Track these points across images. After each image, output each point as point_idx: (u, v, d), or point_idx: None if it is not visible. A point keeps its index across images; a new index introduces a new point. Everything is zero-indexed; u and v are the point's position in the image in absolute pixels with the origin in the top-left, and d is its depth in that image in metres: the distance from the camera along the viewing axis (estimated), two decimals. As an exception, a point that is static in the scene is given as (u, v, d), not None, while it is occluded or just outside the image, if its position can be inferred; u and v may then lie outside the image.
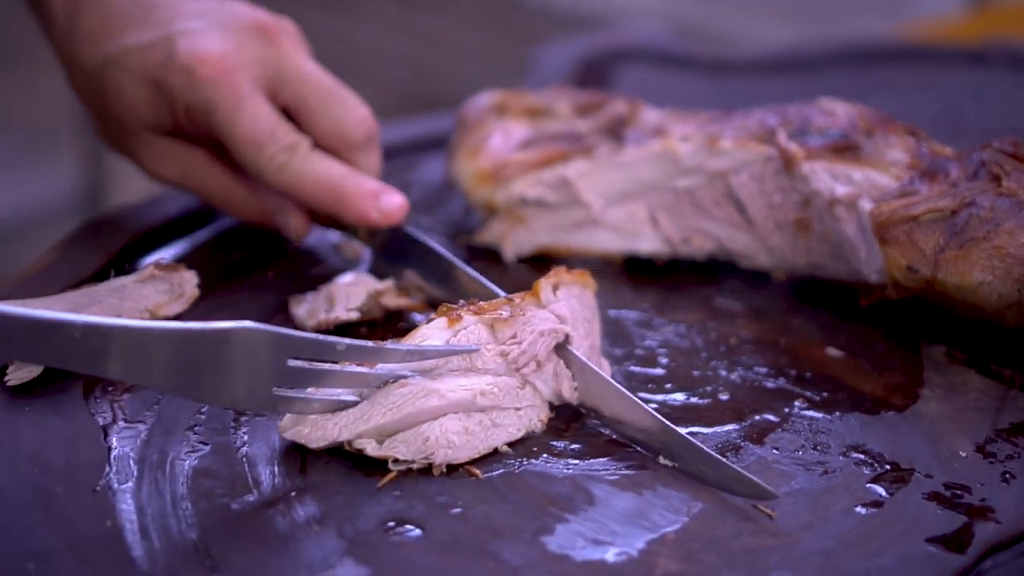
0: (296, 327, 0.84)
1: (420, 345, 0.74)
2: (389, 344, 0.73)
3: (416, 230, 0.90)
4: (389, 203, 0.87)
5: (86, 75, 0.89)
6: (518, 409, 0.76)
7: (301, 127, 0.89)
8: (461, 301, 0.78)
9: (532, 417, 0.76)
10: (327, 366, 0.71)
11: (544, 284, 0.80)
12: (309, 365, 0.71)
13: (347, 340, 0.72)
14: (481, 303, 0.77)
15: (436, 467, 0.72)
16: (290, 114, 0.89)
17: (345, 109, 0.89)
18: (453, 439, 0.73)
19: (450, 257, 0.87)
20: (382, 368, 0.73)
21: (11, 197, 2.66)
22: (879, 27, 2.62)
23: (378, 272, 0.91)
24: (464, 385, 0.74)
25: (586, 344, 0.80)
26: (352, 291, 0.87)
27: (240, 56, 0.86)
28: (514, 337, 0.76)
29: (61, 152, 3.02)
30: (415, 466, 0.72)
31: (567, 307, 0.79)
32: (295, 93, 0.89)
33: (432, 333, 0.75)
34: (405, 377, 0.73)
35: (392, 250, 0.90)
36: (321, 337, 0.71)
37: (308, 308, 0.85)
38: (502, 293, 0.83)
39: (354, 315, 0.85)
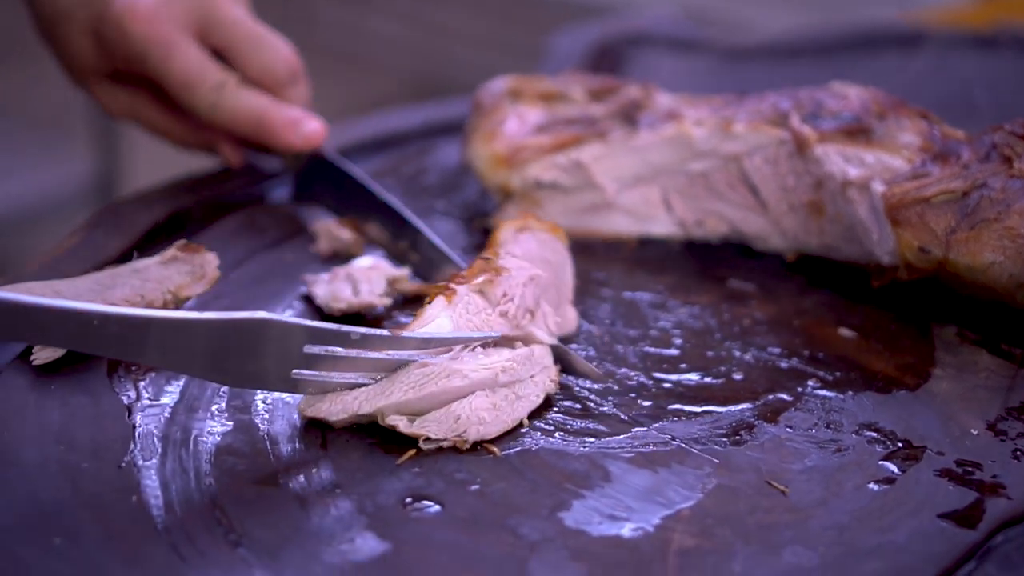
0: (317, 308, 0.86)
1: (436, 334, 0.75)
2: (405, 333, 0.74)
3: (334, 154, 0.99)
4: (309, 128, 0.96)
5: (44, 23, 0.99)
6: (533, 376, 0.78)
7: (231, 67, 0.97)
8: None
9: (544, 379, 0.78)
10: (342, 351, 0.73)
11: (507, 227, 0.85)
12: (325, 351, 0.72)
13: (362, 329, 0.73)
14: (463, 272, 0.80)
15: (462, 443, 0.74)
16: (221, 56, 0.98)
17: (271, 51, 0.97)
18: (484, 415, 0.74)
19: (364, 179, 0.96)
20: (397, 354, 0.74)
21: (24, 186, 2.68)
22: (887, 14, 2.62)
23: (300, 196, 1.00)
24: (485, 364, 0.75)
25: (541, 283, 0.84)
26: (372, 275, 0.88)
27: (168, 7, 0.95)
28: (505, 295, 0.79)
29: (74, 142, 3.03)
30: (446, 444, 0.73)
31: (523, 249, 0.84)
32: (223, 38, 0.97)
33: (437, 313, 0.77)
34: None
35: (314, 175, 0.99)
36: (336, 327, 0.73)
37: (330, 290, 0.86)
38: (407, 212, 0.91)
39: (387, 300, 0.87)
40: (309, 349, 0.72)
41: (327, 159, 0.98)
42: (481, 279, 0.79)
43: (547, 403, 0.78)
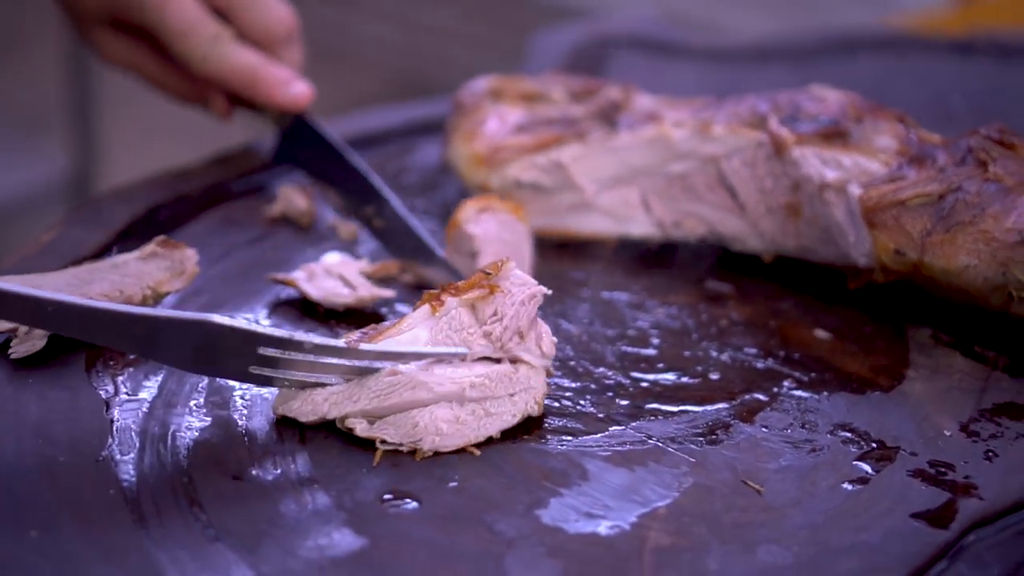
0: (304, 302, 0.87)
1: (389, 347, 0.75)
2: (364, 345, 0.74)
3: (315, 118, 1.01)
4: (296, 89, 0.98)
5: None
6: (512, 395, 0.76)
7: (226, 20, 0.99)
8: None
9: (527, 400, 0.77)
10: (298, 356, 0.73)
11: (469, 206, 0.87)
12: (281, 353, 0.73)
13: (316, 339, 0.74)
14: (459, 283, 0.78)
15: (421, 453, 0.73)
16: (220, 13, 0.99)
17: (268, 8, 0.99)
18: (442, 427, 0.74)
19: (340, 144, 0.98)
20: (355, 363, 0.74)
21: (1, 182, 2.67)
22: (864, 19, 2.63)
23: (280, 157, 1.02)
24: (452, 378, 0.75)
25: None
26: (348, 270, 0.89)
27: None
28: (495, 314, 0.77)
29: (51, 139, 3.02)
30: (403, 449, 0.73)
31: (482, 228, 0.86)
32: None
33: (417, 322, 0.76)
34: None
35: (295, 138, 1.01)
36: (288, 335, 0.73)
37: (324, 287, 0.87)
38: (376, 179, 0.94)
39: (388, 292, 0.88)
40: (264, 351, 0.72)
41: (308, 123, 1.00)
42: (474, 294, 0.77)
43: (525, 401, 0.78)
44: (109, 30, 1.02)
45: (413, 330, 0.76)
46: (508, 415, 0.76)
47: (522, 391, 0.77)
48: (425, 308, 0.77)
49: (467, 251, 0.88)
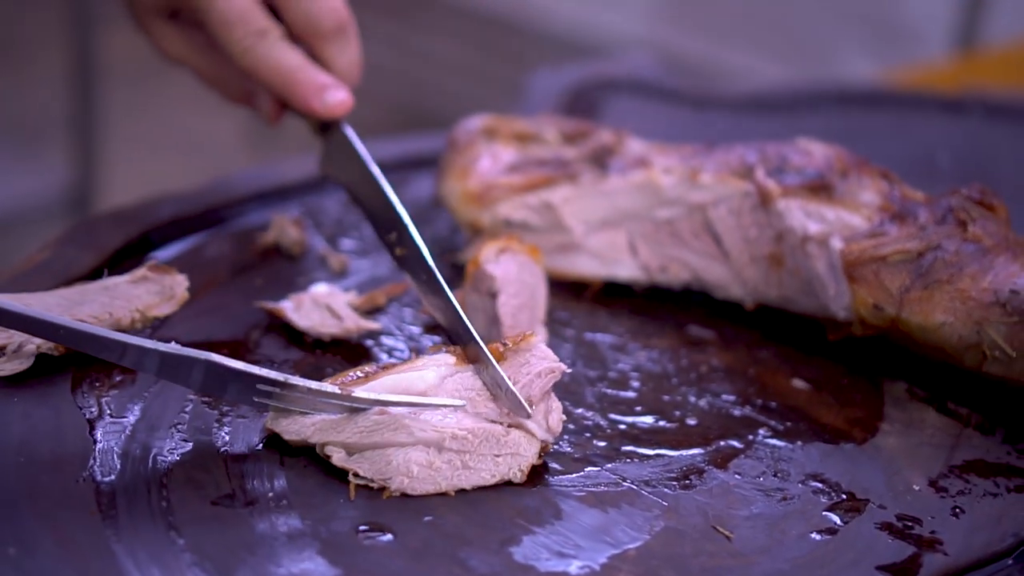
0: (291, 330, 0.88)
1: (393, 397, 0.76)
2: (358, 391, 0.76)
3: (355, 136, 0.97)
4: (333, 98, 0.94)
5: None
6: (497, 456, 0.77)
7: (278, 16, 0.95)
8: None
9: (512, 466, 0.77)
10: (290, 393, 0.75)
11: (490, 247, 0.88)
12: (279, 391, 0.75)
13: (312, 384, 0.75)
14: (490, 345, 0.79)
15: (388, 492, 0.74)
16: (272, 6, 0.95)
17: (317, 0, 0.94)
18: (413, 469, 0.74)
19: (371, 166, 0.94)
20: (346, 402, 0.76)
21: (0, 193, 2.68)
22: (869, 68, 2.66)
23: (324, 169, 0.98)
24: (436, 426, 0.75)
25: (514, 303, 0.88)
26: (335, 301, 0.90)
27: None
28: (511, 380, 0.77)
29: (51, 150, 3.04)
30: (374, 485, 0.74)
31: (502, 269, 0.87)
32: None
33: (428, 366, 0.78)
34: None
35: (335, 148, 0.97)
36: (283, 377, 0.75)
37: (312, 318, 0.88)
38: (401, 209, 0.91)
39: (374, 324, 0.89)
40: (263, 387, 0.74)
41: (345, 135, 0.96)
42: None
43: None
44: (165, 20, 0.99)
45: (423, 371, 0.78)
46: (487, 473, 0.76)
47: (509, 455, 0.77)
48: (447, 356, 0.79)
49: (486, 291, 0.89)
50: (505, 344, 0.79)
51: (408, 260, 0.89)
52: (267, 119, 1.00)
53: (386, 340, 0.90)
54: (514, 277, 0.89)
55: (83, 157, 2.72)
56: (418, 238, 0.89)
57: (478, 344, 0.80)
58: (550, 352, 0.80)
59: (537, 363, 0.79)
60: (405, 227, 0.90)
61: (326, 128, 0.97)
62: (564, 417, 0.80)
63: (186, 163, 3.27)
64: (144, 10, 0.99)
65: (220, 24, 0.93)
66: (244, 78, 0.98)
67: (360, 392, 0.76)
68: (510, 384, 0.77)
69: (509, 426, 0.77)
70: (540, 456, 0.78)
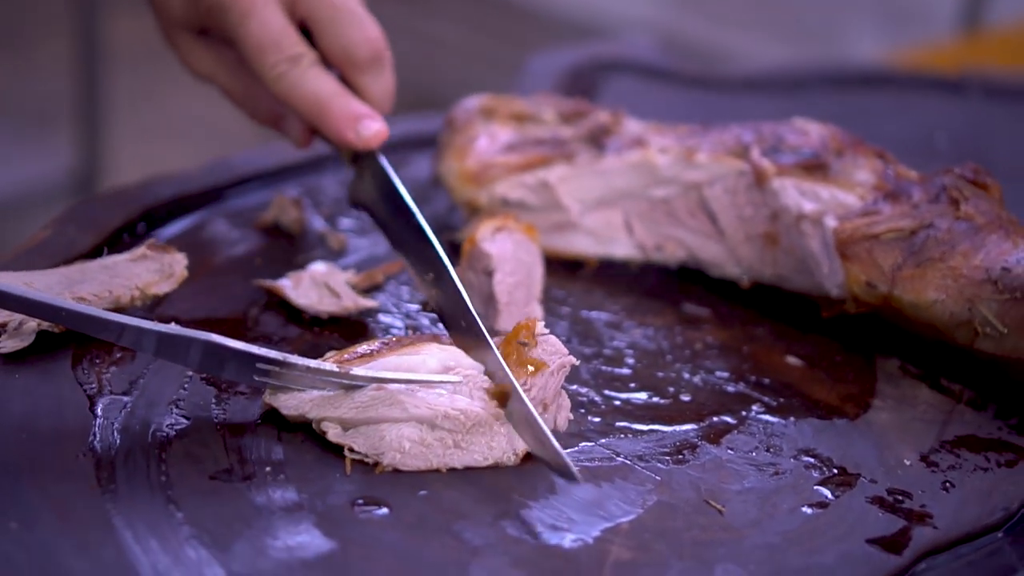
0: (290, 308, 0.89)
1: (389, 374, 0.77)
2: (355, 370, 0.77)
3: (389, 166, 0.93)
4: (368, 128, 0.91)
5: None
6: (491, 441, 0.77)
7: (313, 43, 0.93)
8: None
9: (506, 450, 0.77)
10: (289, 371, 0.76)
11: (487, 225, 0.89)
12: (279, 370, 0.76)
13: (311, 362, 0.77)
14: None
15: (381, 468, 0.75)
16: (306, 30, 0.93)
17: (353, 27, 0.92)
18: (405, 445, 0.75)
19: (408, 200, 0.90)
20: (345, 381, 0.77)
21: (6, 177, 2.69)
22: (874, 49, 2.66)
23: (354, 198, 0.95)
24: (431, 403, 0.76)
25: (510, 280, 0.88)
26: (334, 280, 0.91)
27: None
28: (524, 384, 0.78)
29: (57, 135, 3.05)
30: (368, 460, 0.75)
31: (499, 247, 0.88)
32: (309, 7, 0.92)
33: (432, 352, 0.79)
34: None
35: (367, 177, 0.94)
36: (282, 357, 0.76)
37: (310, 296, 0.89)
38: (440, 251, 0.86)
39: (374, 303, 0.90)
40: (262, 366, 0.76)
41: (380, 165, 0.93)
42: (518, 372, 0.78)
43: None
44: (194, 36, 0.97)
45: (425, 357, 0.78)
46: (479, 455, 0.76)
47: (504, 438, 0.77)
48: (455, 350, 0.80)
49: (482, 269, 0.90)
50: (522, 342, 0.79)
51: (445, 305, 0.84)
52: (296, 143, 0.98)
53: (383, 318, 0.91)
54: (510, 255, 0.90)
55: (88, 141, 2.73)
56: (458, 282, 0.84)
57: (513, 386, 0.78)
58: (559, 344, 0.80)
59: (550, 361, 0.79)
60: (444, 268, 0.85)
61: (358, 157, 0.94)
62: (571, 416, 0.80)
63: (191, 147, 3.28)
64: (172, 24, 0.97)
65: (253, 48, 0.91)
66: (274, 101, 0.96)
67: (359, 370, 0.77)
68: (558, 448, 0.75)
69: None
70: None
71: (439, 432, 0.76)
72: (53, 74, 3.28)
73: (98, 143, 2.74)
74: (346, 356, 0.79)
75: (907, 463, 0.81)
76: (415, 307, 0.93)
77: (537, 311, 0.91)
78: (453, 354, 0.79)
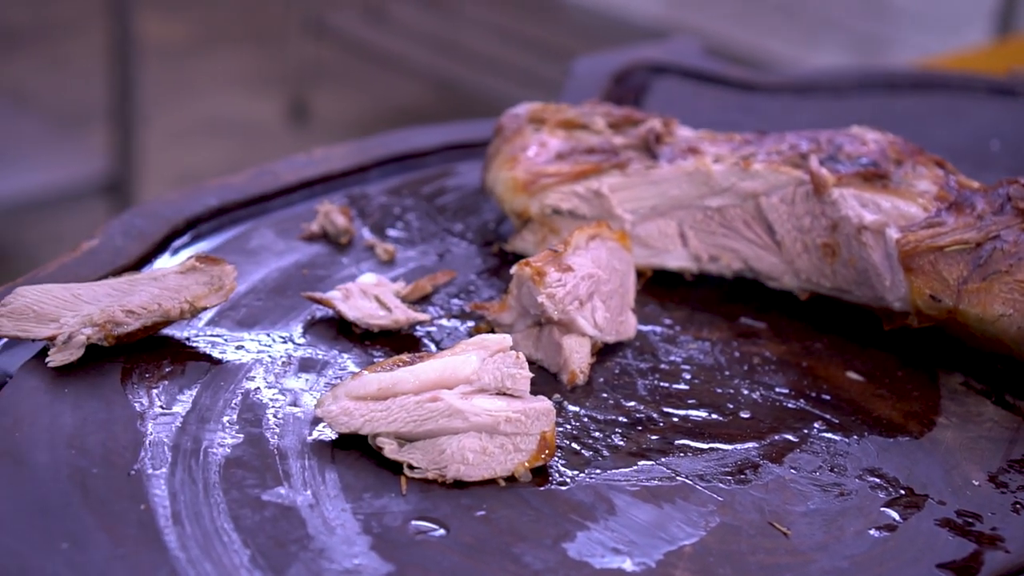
0: (340, 321, 0.88)
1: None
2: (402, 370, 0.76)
3: None
4: None
5: None
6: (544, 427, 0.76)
7: None
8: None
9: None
10: None
11: (581, 232, 0.89)
12: None
13: None
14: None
15: (445, 481, 0.74)
16: None
17: None
18: (468, 456, 0.74)
19: None
20: None
21: (41, 176, 2.69)
22: (905, 58, 2.64)
23: None
24: (489, 410, 0.75)
25: (606, 289, 0.88)
26: (383, 291, 0.90)
27: None
28: (559, 281, 0.83)
29: (91, 134, 3.05)
30: (428, 475, 0.74)
31: (592, 256, 0.88)
32: None
33: (470, 350, 0.78)
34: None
35: None
36: None
37: (360, 308, 0.87)
38: None
39: (425, 316, 0.88)
40: None
41: None
42: (542, 261, 0.84)
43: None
44: None
45: (466, 355, 0.77)
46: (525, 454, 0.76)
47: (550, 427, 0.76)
48: (480, 337, 0.79)
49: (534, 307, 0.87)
50: (555, 251, 0.86)
51: None
52: None
53: (433, 331, 0.89)
54: (604, 262, 0.89)
55: (122, 141, 2.73)
56: None
57: None
58: (585, 260, 0.86)
59: (579, 269, 0.85)
60: None
61: None
62: (608, 314, 0.85)
63: (223, 147, 3.28)
64: None
65: None
66: None
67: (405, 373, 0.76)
68: None
69: (558, 322, 0.83)
70: (593, 355, 0.84)
71: (499, 439, 0.75)
72: (87, 74, 3.28)
73: (131, 142, 2.74)
74: (390, 364, 0.77)
75: (975, 483, 0.79)
76: (467, 324, 0.91)
77: (631, 319, 0.90)
78: (489, 348, 0.78)
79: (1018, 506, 0.77)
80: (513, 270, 0.85)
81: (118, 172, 2.73)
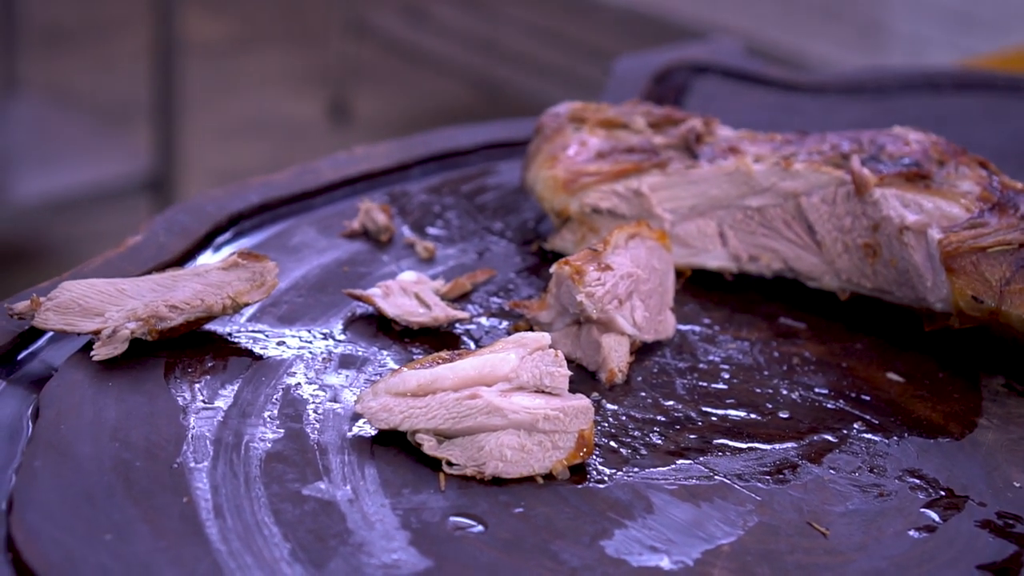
0: (380, 319, 0.88)
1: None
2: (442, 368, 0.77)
3: None
4: None
5: None
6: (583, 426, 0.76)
7: None
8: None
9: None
10: None
11: (620, 231, 0.89)
12: None
13: None
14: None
15: (483, 477, 0.74)
16: None
17: None
18: (507, 453, 0.75)
19: None
20: None
21: (85, 173, 2.72)
22: (945, 59, 2.63)
23: None
24: (528, 407, 0.75)
25: (646, 288, 0.88)
26: (423, 289, 0.90)
27: None
28: (598, 279, 0.83)
29: (135, 132, 3.07)
30: (467, 472, 0.74)
31: (631, 255, 0.88)
32: None
33: (509, 348, 0.78)
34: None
35: None
36: None
37: (400, 305, 0.88)
38: None
39: (464, 314, 0.89)
40: None
41: None
42: (581, 260, 0.85)
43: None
44: None
45: (505, 353, 0.78)
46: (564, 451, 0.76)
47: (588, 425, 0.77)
48: (519, 335, 0.79)
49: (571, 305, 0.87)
50: (595, 250, 0.86)
51: None
52: None
53: (473, 329, 0.89)
54: (644, 262, 0.89)
55: (165, 138, 2.75)
56: None
57: None
58: (624, 260, 0.86)
59: (618, 268, 0.86)
60: None
61: None
62: (647, 314, 0.85)
63: (266, 145, 3.30)
64: None
65: None
66: None
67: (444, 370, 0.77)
68: None
69: (597, 320, 0.83)
70: (632, 354, 0.84)
71: (537, 436, 0.75)
72: (132, 74, 3.31)
73: (174, 140, 2.76)
74: (429, 362, 0.78)
75: (1016, 485, 0.78)
76: (506, 323, 0.91)
77: (670, 319, 0.90)
78: (528, 345, 0.78)
79: (1060, 509, 0.77)
80: (552, 269, 0.86)
81: (161, 170, 2.75)
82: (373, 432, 0.77)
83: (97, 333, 0.80)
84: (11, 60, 2.94)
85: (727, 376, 0.87)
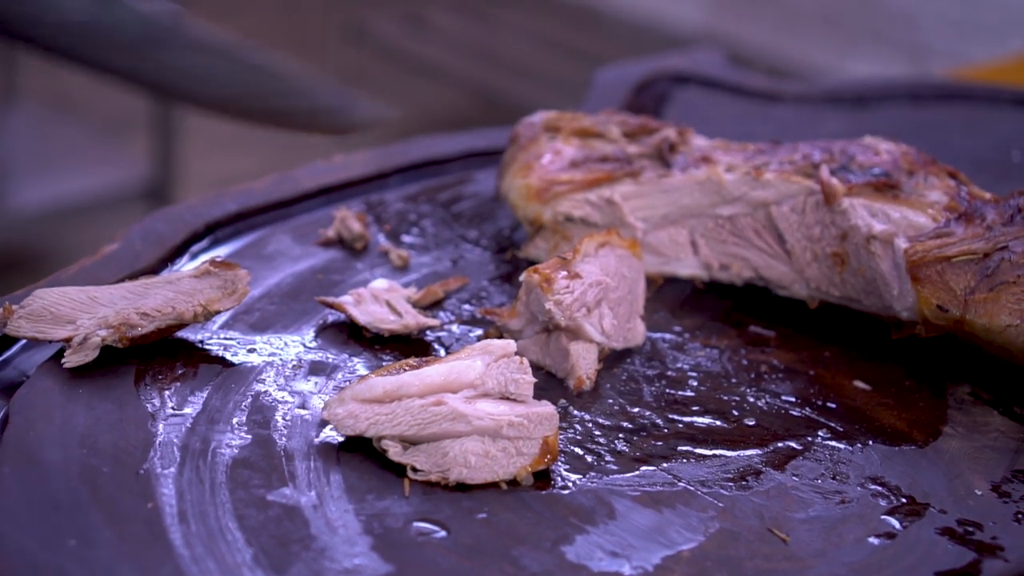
0: (351, 325, 0.89)
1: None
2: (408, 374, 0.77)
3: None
4: None
5: None
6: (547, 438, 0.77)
7: None
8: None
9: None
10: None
11: (590, 240, 0.90)
12: None
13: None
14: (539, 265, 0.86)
15: (448, 483, 0.75)
16: None
17: None
18: (471, 460, 0.75)
19: None
20: None
21: (83, 183, 2.73)
22: (932, 67, 2.63)
23: None
24: (492, 414, 0.76)
25: (615, 296, 0.89)
26: (394, 297, 0.91)
27: None
28: (567, 287, 0.84)
29: (134, 142, 3.08)
30: (432, 478, 0.75)
31: (601, 263, 0.89)
32: None
33: (475, 355, 0.78)
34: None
35: None
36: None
37: (371, 312, 0.88)
38: None
39: (435, 321, 0.90)
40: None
41: None
42: (550, 268, 0.86)
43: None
44: None
45: (472, 360, 0.78)
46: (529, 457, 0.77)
47: (553, 432, 0.77)
48: (485, 342, 0.79)
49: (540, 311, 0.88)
50: (564, 258, 0.87)
51: None
52: None
53: (444, 336, 0.90)
54: (614, 270, 0.90)
55: (162, 149, 2.76)
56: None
57: None
58: (593, 268, 0.86)
59: (587, 276, 0.86)
60: None
61: None
62: (616, 321, 0.86)
63: (263, 153, 3.31)
64: None
65: None
66: None
67: (410, 377, 0.77)
68: None
69: (566, 328, 0.84)
70: (601, 361, 0.85)
71: (502, 442, 0.76)
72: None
73: (172, 150, 2.77)
74: (394, 368, 0.78)
75: (978, 493, 0.79)
76: (478, 330, 0.92)
77: (640, 326, 0.91)
78: (494, 353, 0.79)
79: (1020, 516, 0.77)
80: (522, 277, 0.86)
81: (159, 179, 2.76)
82: (340, 438, 0.78)
83: (68, 340, 0.81)
84: (10, 69, 2.95)
85: (695, 383, 0.88)
